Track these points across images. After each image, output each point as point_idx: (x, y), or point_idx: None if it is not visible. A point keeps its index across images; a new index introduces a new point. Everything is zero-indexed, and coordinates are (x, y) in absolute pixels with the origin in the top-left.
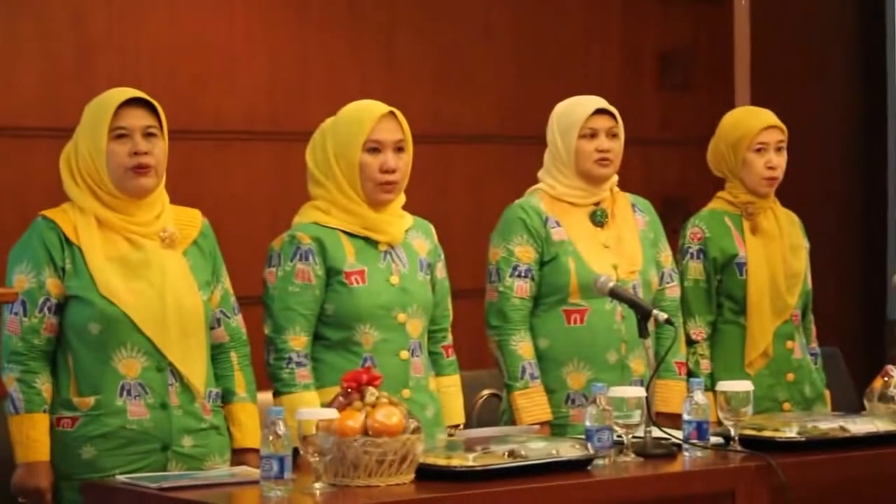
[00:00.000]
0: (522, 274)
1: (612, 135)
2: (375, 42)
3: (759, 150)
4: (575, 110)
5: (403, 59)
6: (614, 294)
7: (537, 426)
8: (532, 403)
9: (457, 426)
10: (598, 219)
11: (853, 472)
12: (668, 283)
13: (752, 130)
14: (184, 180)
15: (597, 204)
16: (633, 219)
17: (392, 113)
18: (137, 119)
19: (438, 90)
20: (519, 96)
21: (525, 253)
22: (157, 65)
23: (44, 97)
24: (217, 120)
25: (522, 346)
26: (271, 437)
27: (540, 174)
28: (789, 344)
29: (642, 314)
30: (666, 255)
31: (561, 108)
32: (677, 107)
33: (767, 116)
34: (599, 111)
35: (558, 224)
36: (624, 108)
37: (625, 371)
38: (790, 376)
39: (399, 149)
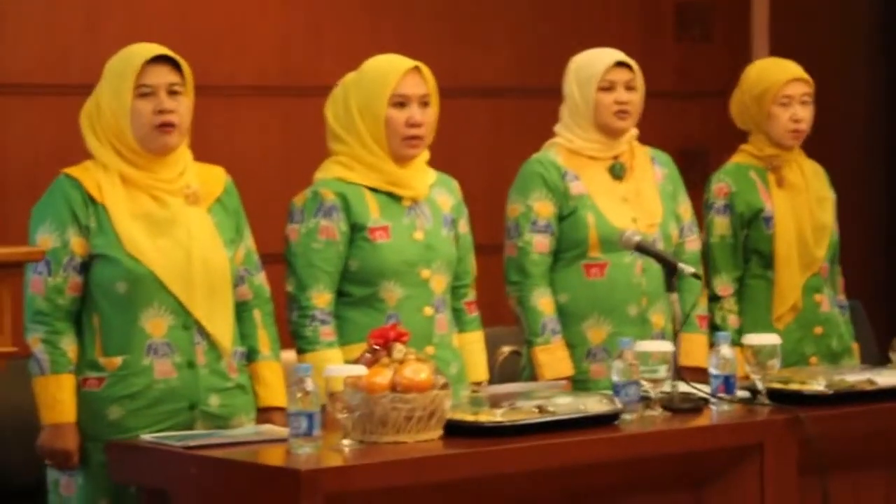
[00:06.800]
0: (541, 229)
1: (631, 87)
2: None
3: (784, 104)
4: (593, 63)
5: (417, 11)
6: (641, 248)
7: (563, 381)
8: (554, 359)
9: (480, 383)
10: (617, 172)
11: (881, 424)
12: (687, 236)
13: (777, 83)
14: (195, 138)
15: (615, 157)
16: (652, 172)
17: (417, 68)
18: (162, 76)
19: (454, 43)
20: (536, 49)
21: (544, 208)
22: (167, 20)
23: (51, 55)
24: (229, 76)
25: (543, 301)
26: (300, 395)
27: (557, 128)
28: (817, 297)
29: (669, 268)
30: (685, 207)
31: (579, 60)
32: (696, 58)
33: (793, 69)
34: (618, 64)
35: (577, 178)
36: (642, 60)
37: (645, 325)
38: (818, 330)
39: (424, 103)
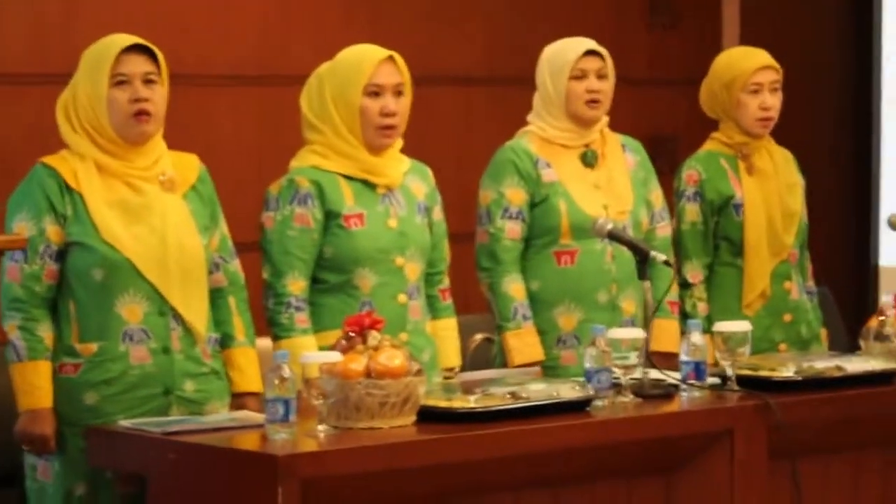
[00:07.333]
0: (513, 216)
1: (602, 76)
2: None
3: (753, 92)
4: (565, 52)
5: (390, 0)
6: (613, 236)
7: (538, 368)
8: (524, 343)
9: (452, 369)
10: (589, 160)
11: (850, 411)
12: (658, 222)
13: (747, 71)
14: (168, 126)
15: (587, 145)
16: (624, 159)
17: (391, 57)
18: (137, 66)
19: (424, 31)
20: (506, 37)
21: (516, 195)
22: (142, 9)
23: (30, 44)
24: (203, 65)
25: (514, 287)
26: (277, 381)
27: (530, 117)
28: (787, 284)
29: (641, 256)
30: (656, 194)
31: (551, 50)
32: (666, 46)
33: (762, 57)
34: (589, 52)
35: (549, 166)
36: (612, 47)
37: (615, 311)
38: (787, 317)
39: (398, 93)
